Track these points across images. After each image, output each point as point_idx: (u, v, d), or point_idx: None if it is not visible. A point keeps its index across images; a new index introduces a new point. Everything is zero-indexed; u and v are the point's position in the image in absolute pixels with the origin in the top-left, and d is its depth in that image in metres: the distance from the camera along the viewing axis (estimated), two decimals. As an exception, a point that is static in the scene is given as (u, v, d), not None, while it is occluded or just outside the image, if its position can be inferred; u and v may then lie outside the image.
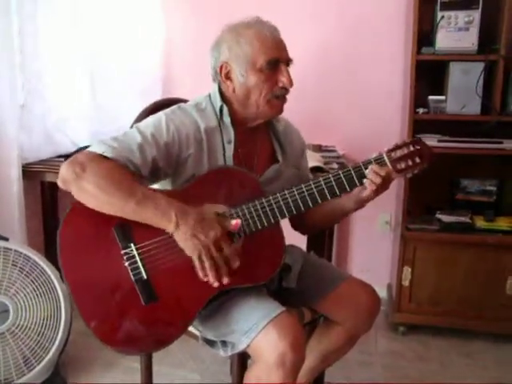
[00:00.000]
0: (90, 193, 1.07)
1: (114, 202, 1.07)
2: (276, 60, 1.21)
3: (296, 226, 1.43)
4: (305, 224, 1.41)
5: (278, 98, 1.24)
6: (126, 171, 1.11)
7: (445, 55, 1.99)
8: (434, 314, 2.17)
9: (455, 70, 2.00)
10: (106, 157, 1.10)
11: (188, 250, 1.08)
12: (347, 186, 1.19)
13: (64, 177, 1.09)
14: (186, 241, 1.07)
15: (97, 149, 1.12)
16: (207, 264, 1.07)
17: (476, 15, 1.90)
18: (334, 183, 1.18)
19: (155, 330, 1.12)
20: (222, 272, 1.08)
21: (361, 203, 1.25)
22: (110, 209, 1.09)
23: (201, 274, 1.09)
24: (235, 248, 1.10)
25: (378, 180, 1.16)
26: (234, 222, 1.12)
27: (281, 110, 1.28)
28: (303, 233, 1.49)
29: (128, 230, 1.12)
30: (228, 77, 1.23)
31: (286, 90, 1.24)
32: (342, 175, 1.18)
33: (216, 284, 1.08)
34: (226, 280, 1.08)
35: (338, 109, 2.44)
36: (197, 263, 1.08)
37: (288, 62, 1.24)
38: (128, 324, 1.11)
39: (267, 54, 1.20)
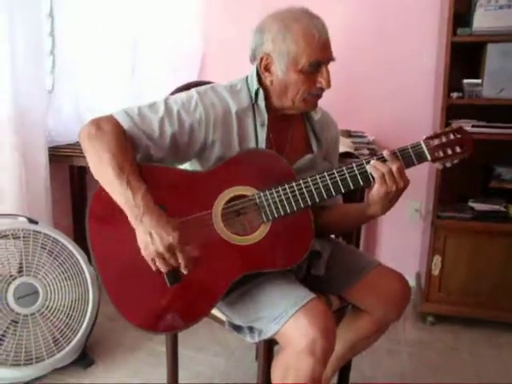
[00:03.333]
0: (90, 156, 1.11)
1: (103, 174, 1.09)
2: (319, 62, 1.17)
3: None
4: (320, 222, 1.32)
5: (314, 96, 1.21)
6: (131, 149, 1.12)
7: (482, 36, 1.90)
8: (463, 305, 2.12)
9: (493, 52, 1.91)
10: (122, 129, 1.12)
11: (142, 246, 1.07)
12: None
13: (81, 132, 1.14)
14: (142, 237, 1.06)
15: (119, 117, 1.14)
16: (162, 266, 1.07)
17: (521, -9, 1.80)
18: (367, 169, 1.15)
19: (179, 310, 1.12)
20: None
21: (372, 202, 1.17)
22: (100, 179, 1.11)
23: (153, 268, 1.09)
24: (188, 258, 1.09)
25: (384, 169, 1.12)
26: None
27: (315, 106, 1.26)
28: (319, 232, 1.40)
29: None
30: (267, 69, 1.21)
31: (322, 90, 1.21)
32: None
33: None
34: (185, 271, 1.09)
35: (368, 93, 2.38)
36: (149, 261, 1.08)
37: (330, 61, 1.20)
38: (152, 304, 1.11)
39: (311, 55, 1.15)
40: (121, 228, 1.11)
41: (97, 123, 1.12)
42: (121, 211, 1.10)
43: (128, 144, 1.12)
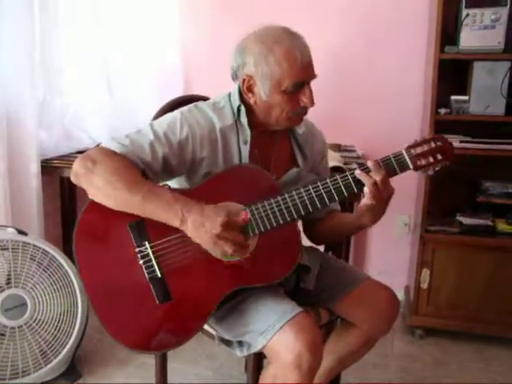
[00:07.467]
0: (98, 187, 1.09)
1: (120, 196, 1.08)
2: (302, 82, 1.18)
3: (308, 234, 1.41)
4: (316, 232, 1.38)
5: (299, 114, 1.23)
6: (134, 167, 1.12)
7: (469, 54, 1.95)
8: (452, 318, 2.13)
9: (479, 70, 1.95)
10: (116, 153, 1.12)
11: (200, 240, 1.08)
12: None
13: (76, 171, 1.12)
14: (195, 232, 1.07)
15: (108, 145, 1.14)
16: (226, 246, 1.06)
17: (504, 12, 1.84)
18: (351, 180, 1.15)
19: (169, 329, 1.12)
20: (243, 247, 1.09)
21: (361, 213, 1.19)
22: (117, 203, 1.10)
23: (224, 260, 1.09)
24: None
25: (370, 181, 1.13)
26: (242, 213, 1.12)
27: (300, 123, 1.28)
28: (315, 242, 1.44)
29: (142, 227, 1.12)
30: (250, 90, 1.21)
31: (306, 108, 1.22)
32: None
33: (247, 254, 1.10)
34: (251, 248, 1.10)
35: (357, 108, 2.40)
36: (214, 251, 1.08)
37: (313, 78, 1.21)
38: (142, 323, 1.11)
39: (294, 77, 1.16)
40: (109, 250, 1.13)
41: (89, 157, 1.11)
42: (108, 234, 1.12)
43: (127, 160, 1.12)
